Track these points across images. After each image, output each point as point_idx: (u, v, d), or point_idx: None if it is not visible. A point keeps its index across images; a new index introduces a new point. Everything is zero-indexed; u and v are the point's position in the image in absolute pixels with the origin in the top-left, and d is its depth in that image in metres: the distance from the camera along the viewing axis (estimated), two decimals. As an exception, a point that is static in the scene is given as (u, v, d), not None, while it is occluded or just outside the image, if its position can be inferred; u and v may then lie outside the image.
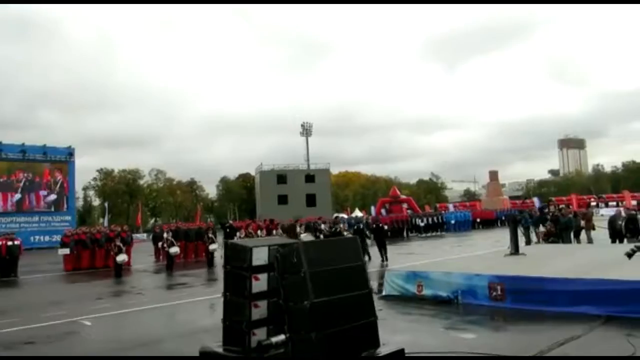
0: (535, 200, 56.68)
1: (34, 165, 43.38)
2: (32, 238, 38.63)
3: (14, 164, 42.39)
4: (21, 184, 42.50)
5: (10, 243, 18.74)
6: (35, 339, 8.16)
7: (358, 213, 46.78)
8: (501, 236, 20.90)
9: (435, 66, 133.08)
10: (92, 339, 8.21)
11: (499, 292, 8.50)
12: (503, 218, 38.43)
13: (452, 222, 37.84)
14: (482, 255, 15.65)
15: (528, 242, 19.10)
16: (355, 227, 22.83)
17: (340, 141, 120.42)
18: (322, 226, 23.79)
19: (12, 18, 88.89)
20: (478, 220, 41.34)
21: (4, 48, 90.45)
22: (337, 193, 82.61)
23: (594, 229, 17.74)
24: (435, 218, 37.19)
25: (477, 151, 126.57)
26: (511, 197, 74.17)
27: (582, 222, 17.81)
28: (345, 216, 41.63)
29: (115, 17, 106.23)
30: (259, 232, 23.87)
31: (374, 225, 22.08)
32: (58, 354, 7.21)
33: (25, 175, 42.75)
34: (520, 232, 16.44)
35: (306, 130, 69.21)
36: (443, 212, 43.89)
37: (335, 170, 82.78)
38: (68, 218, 43.66)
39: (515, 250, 12.24)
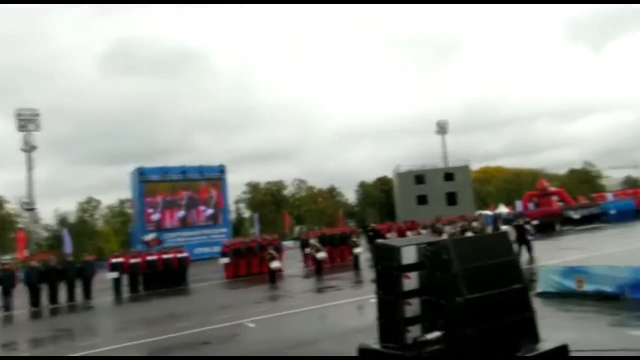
0: None
1: (193, 184, 48.12)
2: (195, 250, 42.54)
3: (177, 184, 47.46)
4: (183, 202, 47.42)
5: (179, 255, 20.99)
6: (210, 339, 9.14)
7: (503, 209, 44.56)
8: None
9: (579, 48, 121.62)
10: (256, 339, 8.98)
11: (677, 286, 7.68)
12: (676, 205, 34.01)
13: (613, 212, 34.36)
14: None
15: None
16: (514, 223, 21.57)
17: (478, 136, 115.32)
18: (474, 224, 22.75)
19: (173, 54, 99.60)
20: (644, 208, 36.97)
21: (166, 81, 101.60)
22: (479, 190, 79.30)
23: None
24: (591, 209, 34.11)
25: (635, 135, 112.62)
26: (684, 181, 65.15)
27: None
28: (490, 213, 39.90)
29: (254, 45, 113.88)
30: (408, 233, 23.81)
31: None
32: (230, 353, 8.03)
33: (187, 193, 47.62)
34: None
35: (442, 128, 67.70)
36: (600, 202, 40.06)
37: (475, 167, 79.69)
38: (224, 230, 47.68)
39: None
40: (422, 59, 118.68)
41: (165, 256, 20.64)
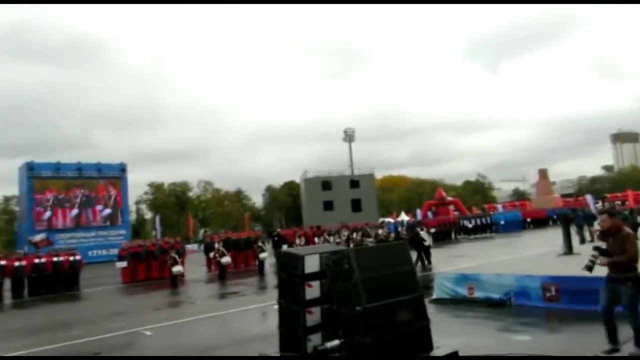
0: (589, 197, 54.54)
1: (90, 182, 45.29)
2: (90, 252, 39.57)
3: (71, 182, 44.41)
4: (78, 200, 44.46)
5: (72, 258, 19.65)
6: (101, 350, 8.57)
7: (404, 217, 46.45)
8: (553, 236, 20.31)
9: (477, 67, 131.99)
10: (153, 347, 8.57)
11: (554, 293, 8.36)
12: (555, 217, 37.30)
13: (502, 222, 37.06)
14: (535, 255, 15.29)
15: (582, 241, 18.53)
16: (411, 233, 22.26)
17: (383, 146, 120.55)
18: (380, 231, 23.21)
19: (75, 44, 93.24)
20: (528, 220, 40.31)
21: (65, 72, 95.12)
22: (383, 197, 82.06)
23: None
24: (483, 219, 36.53)
25: (524, 150, 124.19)
26: (562, 195, 71.86)
27: (640, 218, 17.18)
28: (392, 220, 41.42)
29: (163, 41, 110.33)
30: (315, 239, 23.91)
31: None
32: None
33: (82, 191, 44.70)
34: (573, 231, 15.98)
35: (349, 136, 69.23)
36: (492, 212, 43.04)
37: (379, 175, 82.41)
38: (123, 232, 45.33)
39: (568, 249, 11.95)
40: (333, 67, 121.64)
41: (55, 259, 19.23)
